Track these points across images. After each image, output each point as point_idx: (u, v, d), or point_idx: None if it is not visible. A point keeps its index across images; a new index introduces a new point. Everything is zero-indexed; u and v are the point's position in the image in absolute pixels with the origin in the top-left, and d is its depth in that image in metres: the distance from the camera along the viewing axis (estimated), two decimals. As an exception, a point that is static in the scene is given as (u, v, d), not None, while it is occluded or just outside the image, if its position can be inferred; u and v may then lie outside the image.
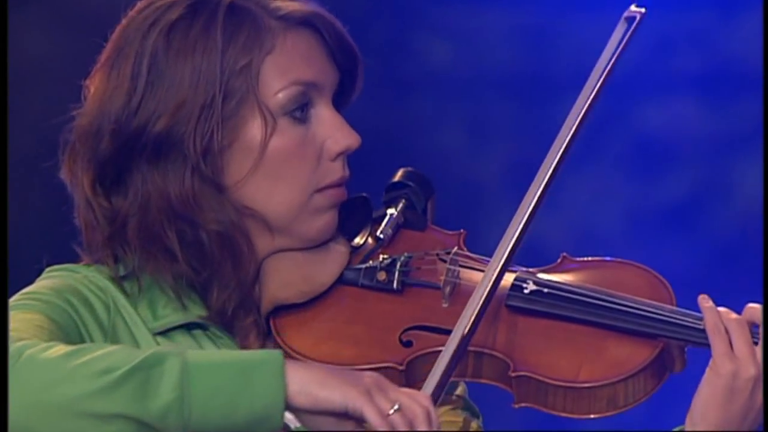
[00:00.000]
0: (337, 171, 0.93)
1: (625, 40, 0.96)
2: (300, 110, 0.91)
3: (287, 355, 0.82)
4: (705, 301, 0.92)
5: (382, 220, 1.00)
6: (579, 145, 0.95)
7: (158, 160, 0.86)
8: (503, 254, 0.89)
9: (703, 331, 0.91)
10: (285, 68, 0.90)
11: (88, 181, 0.86)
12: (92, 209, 0.86)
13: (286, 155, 0.90)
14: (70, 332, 0.78)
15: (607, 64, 0.95)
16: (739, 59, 2.53)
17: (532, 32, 2.57)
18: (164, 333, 0.85)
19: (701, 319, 0.91)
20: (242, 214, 0.89)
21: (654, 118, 2.57)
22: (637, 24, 0.97)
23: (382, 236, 0.99)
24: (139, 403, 0.63)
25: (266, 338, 0.92)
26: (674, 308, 0.95)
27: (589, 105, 0.93)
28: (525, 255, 0.95)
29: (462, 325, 0.83)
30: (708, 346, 0.91)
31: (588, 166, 2.43)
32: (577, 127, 0.93)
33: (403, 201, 1.01)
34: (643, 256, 1.10)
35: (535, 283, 0.95)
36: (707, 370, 0.89)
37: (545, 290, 0.95)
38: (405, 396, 0.71)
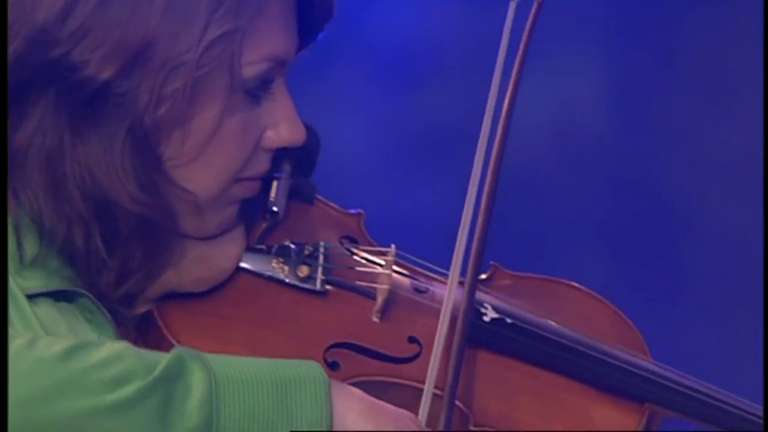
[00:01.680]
0: (265, 163, 0.77)
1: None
2: (261, 89, 0.75)
3: None
4: None
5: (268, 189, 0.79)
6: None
7: (83, 113, 0.68)
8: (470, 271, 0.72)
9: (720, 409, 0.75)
10: (262, 39, 0.74)
11: None
12: None
13: (231, 137, 0.74)
14: None
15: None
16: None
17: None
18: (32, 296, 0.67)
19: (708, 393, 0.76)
20: (172, 196, 0.73)
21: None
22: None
23: (276, 209, 0.79)
24: (160, 425, 0.52)
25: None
26: (664, 368, 0.77)
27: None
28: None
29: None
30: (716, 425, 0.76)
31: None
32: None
33: (289, 162, 0.80)
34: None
35: (494, 308, 0.77)
36: None
37: (508, 320, 0.77)
38: None
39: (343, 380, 0.74)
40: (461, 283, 0.75)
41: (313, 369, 0.60)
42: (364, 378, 0.74)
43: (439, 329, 0.71)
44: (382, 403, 0.62)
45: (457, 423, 0.73)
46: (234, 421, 0.54)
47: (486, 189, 0.73)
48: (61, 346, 0.53)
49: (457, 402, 0.73)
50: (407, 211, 2.18)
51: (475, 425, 0.73)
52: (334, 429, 0.56)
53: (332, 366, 0.75)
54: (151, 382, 0.52)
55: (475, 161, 0.73)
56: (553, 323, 0.78)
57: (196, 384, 0.53)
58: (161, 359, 0.54)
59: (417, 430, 0.63)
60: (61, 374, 0.52)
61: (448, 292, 0.73)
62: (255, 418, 0.54)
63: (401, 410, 0.63)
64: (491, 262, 0.82)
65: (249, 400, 0.55)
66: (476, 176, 0.73)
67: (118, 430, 0.51)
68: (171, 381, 0.53)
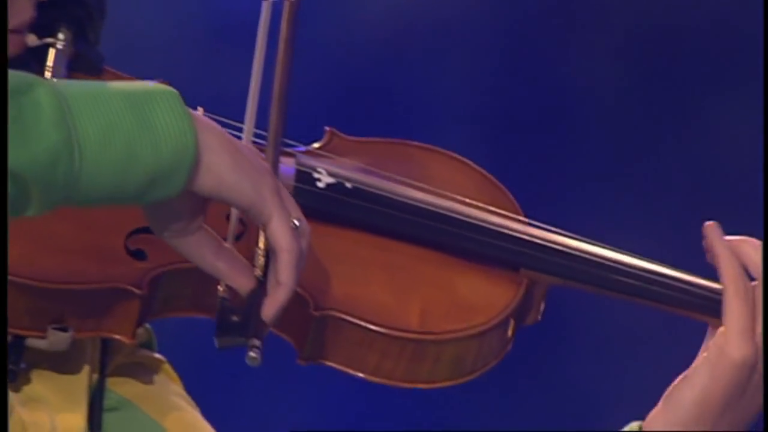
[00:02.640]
0: (29, 10, 0.67)
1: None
2: None
3: None
4: (714, 234, 0.67)
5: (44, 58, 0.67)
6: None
7: None
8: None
9: (611, 268, 0.63)
10: None
11: None
12: None
13: None
14: None
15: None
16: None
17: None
18: None
19: (594, 252, 0.63)
20: None
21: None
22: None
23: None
24: (22, 147, 0.46)
25: None
26: (539, 227, 0.64)
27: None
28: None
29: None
30: (611, 290, 0.64)
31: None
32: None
33: (68, 28, 0.67)
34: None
35: (330, 173, 0.63)
36: (710, 350, 0.64)
37: (348, 185, 0.63)
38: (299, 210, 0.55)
39: (153, 270, 0.61)
40: (288, 153, 0.63)
41: (160, 85, 0.54)
42: (177, 266, 0.60)
43: None
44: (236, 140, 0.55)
45: (296, 308, 0.60)
46: (93, 135, 0.48)
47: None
48: None
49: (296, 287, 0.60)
50: (211, 79, 2.07)
51: (316, 309, 0.60)
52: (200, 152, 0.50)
53: (136, 255, 0.61)
54: None
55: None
56: (402, 186, 0.65)
57: (44, 100, 0.48)
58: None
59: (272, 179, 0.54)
60: None
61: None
62: (115, 131, 0.49)
63: (262, 162, 0.55)
64: (326, 128, 0.69)
65: (103, 113, 0.49)
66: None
67: None
68: (18, 96, 0.47)
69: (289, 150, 0.65)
